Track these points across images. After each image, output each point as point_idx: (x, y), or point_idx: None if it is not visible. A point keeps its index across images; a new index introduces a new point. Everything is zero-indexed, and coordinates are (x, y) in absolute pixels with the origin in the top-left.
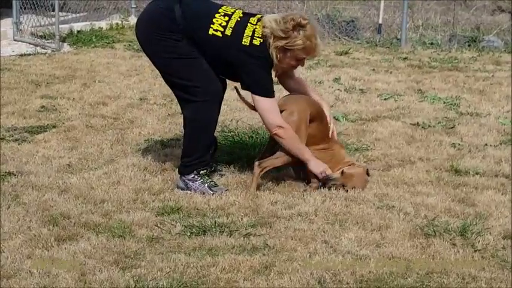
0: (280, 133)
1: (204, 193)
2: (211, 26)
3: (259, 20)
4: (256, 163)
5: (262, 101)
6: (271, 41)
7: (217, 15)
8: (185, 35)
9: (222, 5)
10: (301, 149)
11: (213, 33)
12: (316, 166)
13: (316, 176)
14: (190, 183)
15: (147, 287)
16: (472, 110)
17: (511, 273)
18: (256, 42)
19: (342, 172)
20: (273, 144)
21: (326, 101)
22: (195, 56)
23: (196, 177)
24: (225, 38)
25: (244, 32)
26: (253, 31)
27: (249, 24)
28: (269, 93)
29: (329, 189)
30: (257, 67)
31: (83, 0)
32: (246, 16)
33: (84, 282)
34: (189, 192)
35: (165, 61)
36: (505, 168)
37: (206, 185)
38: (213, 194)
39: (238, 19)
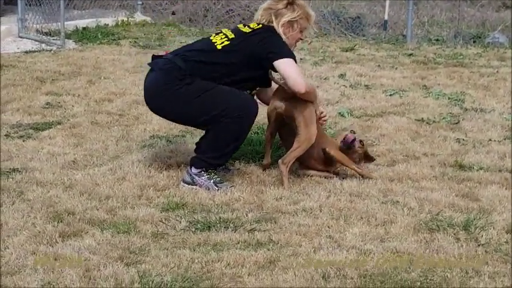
0: (310, 88)
1: (209, 189)
2: (215, 43)
3: (244, 25)
4: (280, 161)
5: (288, 64)
6: (275, 22)
7: (211, 37)
8: (194, 72)
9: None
10: None
11: (222, 46)
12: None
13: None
14: (197, 177)
15: (151, 283)
16: (476, 105)
17: None
18: (256, 26)
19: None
20: (269, 141)
21: None
22: (212, 86)
23: (203, 172)
24: (233, 40)
25: (242, 30)
26: (249, 26)
27: (240, 27)
28: (291, 53)
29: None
30: (269, 36)
31: None
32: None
33: (89, 278)
34: (194, 188)
35: (188, 107)
36: (508, 163)
37: (212, 181)
38: (218, 189)
39: (231, 29)
